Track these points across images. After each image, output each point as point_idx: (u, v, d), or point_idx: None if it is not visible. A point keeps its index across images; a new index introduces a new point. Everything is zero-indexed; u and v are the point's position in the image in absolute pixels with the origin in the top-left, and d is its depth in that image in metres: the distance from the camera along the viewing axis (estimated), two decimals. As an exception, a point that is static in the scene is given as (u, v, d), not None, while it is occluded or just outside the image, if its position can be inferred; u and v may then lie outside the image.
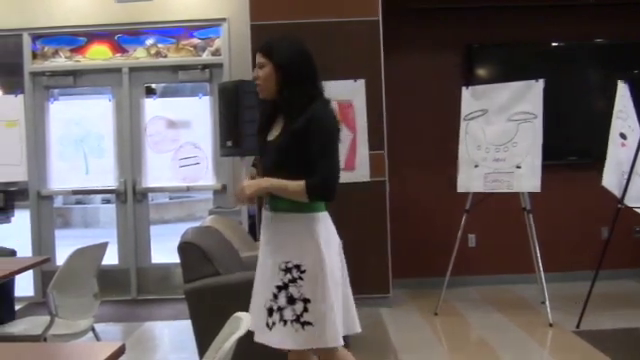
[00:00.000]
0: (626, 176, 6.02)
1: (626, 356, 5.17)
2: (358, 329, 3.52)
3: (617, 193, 6.04)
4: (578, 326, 5.93)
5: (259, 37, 6.77)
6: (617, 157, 6.09)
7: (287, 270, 3.35)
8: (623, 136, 6.14)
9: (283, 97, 3.43)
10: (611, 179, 6.06)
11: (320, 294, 3.31)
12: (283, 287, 3.34)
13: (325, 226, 3.44)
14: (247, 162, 6.65)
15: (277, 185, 3.37)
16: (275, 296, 3.35)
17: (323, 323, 3.30)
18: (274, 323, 3.34)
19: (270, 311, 3.36)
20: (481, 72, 7.64)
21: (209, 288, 4.46)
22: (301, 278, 3.32)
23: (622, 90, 6.13)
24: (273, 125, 3.54)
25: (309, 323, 3.30)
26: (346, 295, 3.50)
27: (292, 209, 3.39)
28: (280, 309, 3.33)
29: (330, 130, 3.38)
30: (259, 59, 3.48)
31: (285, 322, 3.32)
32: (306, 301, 3.31)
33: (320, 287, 3.32)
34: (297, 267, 3.33)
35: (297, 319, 3.31)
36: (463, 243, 6.92)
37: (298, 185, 3.30)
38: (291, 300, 3.32)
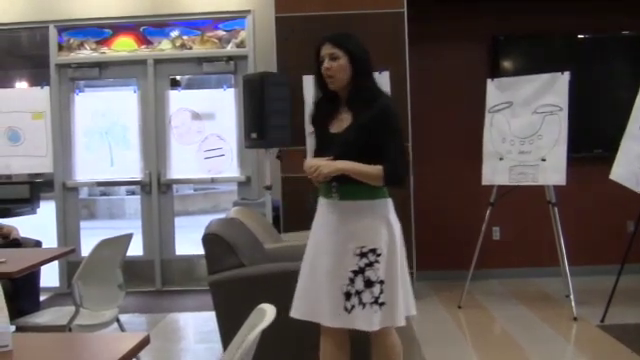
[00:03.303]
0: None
1: (652, 351, 5.13)
2: (414, 311, 3.64)
3: (630, 186, 6.01)
4: (603, 320, 5.88)
5: (284, 29, 6.78)
6: (635, 150, 6.03)
7: (363, 255, 3.44)
8: None
9: (355, 88, 3.52)
10: (622, 172, 6.02)
11: (392, 276, 3.47)
12: (359, 271, 3.44)
13: (392, 211, 3.58)
14: (271, 154, 6.67)
15: (356, 167, 3.44)
16: (352, 280, 3.44)
17: (394, 303, 3.46)
18: (353, 306, 3.44)
19: (348, 295, 3.44)
20: (507, 64, 7.59)
21: (233, 280, 4.47)
22: (377, 261, 3.44)
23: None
24: (334, 117, 3.60)
25: (384, 304, 3.44)
26: (405, 278, 3.60)
27: (362, 197, 3.50)
28: (358, 293, 3.43)
29: (397, 122, 3.56)
30: (330, 50, 3.54)
31: (364, 305, 3.42)
32: (381, 283, 3.44)
33: (393, 269, 3.47)
34: (373, 251, 3.44)
35: (375, 301, 3.43)
36: (487, 236, 6.88)
37: (376, 169, 3.41)
38: (369, 283, 3.43)
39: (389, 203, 3.58)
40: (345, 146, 3.47)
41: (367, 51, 3.60)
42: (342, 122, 3.56)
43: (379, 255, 3.45)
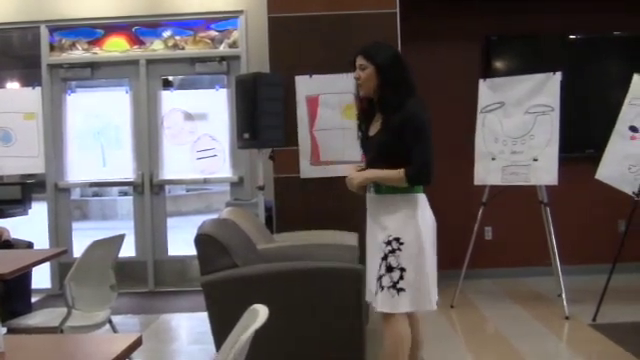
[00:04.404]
0: (635, 169, 6.00)
1: (643, 350, 5.14)
2: (435, 307, 3.92)
3: (617, 186, 6.07)
4: (594, 319, 5.90)
5: (276, 29, 6.77)
6: (623, 150, 6.08)
7: (388, 243, 3.82)
8: (634, 129, 6.11)
9: (381, 96, 3.87)
10: (609, 172, 6.08)
11: (415, 265, 3.79)
12: (384, 258, 3.82)
13: (422, 206, 3.89)
14: (264, 154, 6.67)
15: (380, 175, 3.88)
16: (380, 266, 3.84)
17: (417, 290, 3.79)
18: (377, 291, 3.84)
19: (379, 278, 3.84)
20: (499, 64, 7.61)
21: (226, 280, 4.47)
22: (399, 249, 3.79)
23: (639, 82, 6.09)
24: (372, 121, 3.98)
25: (403, 289, 3.77)
26: (433, 271, 3.90)
27: (394, 191, 3.86)
28: (380, 277, 3.82)
29: (422, 123, 3.82)
30: (360, 61, 3.90)
31: (383, 288, 3.80)
32: (402, 270, 3.77)
33: (416, 259, 3.79)
34: (397, 240, 3.80)
35: (393, 285, 3.78)
36: (480, 236, 6.90)
37: (398, 173, 3.78)
38: (389, 269, 3.80)
39: (420, 198, 3.89)
40: (378, 148, 3.90)
41: (398, 61, 3.93)
42: (376, 126, 3.94)
43: (402, 244, 3.79)
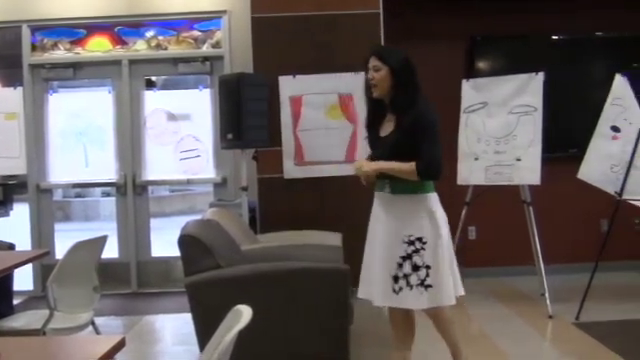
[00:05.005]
0: (617, 169, 6.05)
1: (625, 347, 5.16)
2: (462, 292, 4.18)
3: (600, 185, 6.13)
4: (577, 318, 5.94)
5: (260, 29, 6.77)
6: (605, 150, 6.13)
7: (410, 243, 3.99)
8: (615, 129, 6.15)
9: (395, 96, 4.04)
10: (591, 171, 6.14)
11: (438, 261, 3.99)
12: (407, 257, 3.99)
13: (437, 204, 4.10)
14: (248, 155, 6.66)
15: (393, 167, 4.00)
16: (400, 265, 3.99)
17: (441, 285, 4.00)
18: (401, 288, 3.99)
19: (396, 278, 4.00)
20: (483, 64, 7.63)
21: (210, 281, 4.46)
22: (423, 249, 3.98)
23: (620, 81, 6.13)
24: (383, 122, 4.14)
25: (430, 286, 3.98)
26: (452, 261, 4.13)
27: (411, 191, 4.03)
28: (406, 276, 3.98)
29: (432, 122, 4.03)
30: (374, 62, 4.07)
31: (411, 287, 3.97)
32: (427, 267, 3.97)
33: (438, 255, 3.99)
34: (419, 239, 3.99)
35: (421, 283, 3.97)
36: (463, 235, 6.92)
37: (409, 166, 3.95)
38: (415, 267, 3.98)
39: (434, 197, 4.10)
40: (391, 147, 4.02)
41: (409, 64, 4.10)
42: (388, 126, 4.10)
43: (425, 243, 3.98)
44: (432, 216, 4.04)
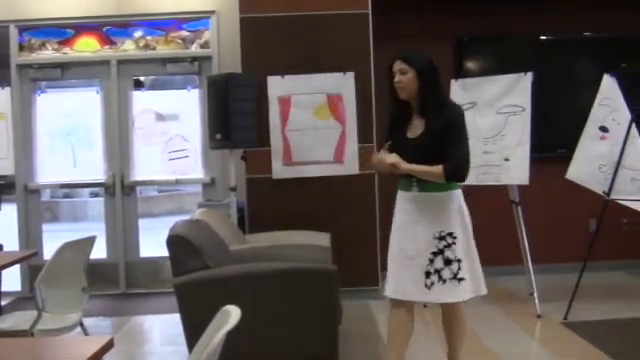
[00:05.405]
0: (605, 169, 6.07)
1: (613, 347, 5.19)
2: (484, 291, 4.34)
3: (588, 186, 6.16)
4: (566, 317, 5.96)
5: (248, 30, 6.77)
6: (594, 150, 6.15)
7: (441, 238, 4.13)
8: (604, 129, 6.17)
9: (423, 98, 4.14)
10: (580, 172, 6.18)
11: (468, 254, 4.19)
12: (439, 252, 4.13)
13: (462, 200, 4.26)
14: (236, 155, 6.65)
15: (418, 169, 4.11)
16: (431, 261, 4.13)
17: (475, 276, 4.23)
18: (433, 283, 4.14)
19: (427, 274, 4.14)
20: (471, 65, 7.65)
21: (198, 281, 4.46)
22: (454, 243, 4.14)
23: (609, 82, 6.15)
24: (408, 124, 4.22)
25: (463, 279, 4.15)
26: (477, 257, 4.29)
27: (439, 189, 4.15)
28: (437, 271, 4.13)
29: (462, 124, 4.14)
30: (400, 66, 4.17)
31: (444, 281, 4.12)
32: (459, 261, 4.13)
33: (468, 249, 4.19)
34: (450, 234, 4.14)
35: (454, 277, 4.13)
36: (452, 236, 6.91)
37: (437, 169, 4.05)
38: (448, 262, 4.13)
39: (460, 193, 4.25)
40: (420, 150, 4.10)
41: (434, 65, 4.21)
42: (416, 128, 4.19)
43: (455, 237, 4.14)
44: (461, 211, 4.21)
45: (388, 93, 4.26)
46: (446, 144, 4.05)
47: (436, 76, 4.20)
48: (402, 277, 4.22)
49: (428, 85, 4.13)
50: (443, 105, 4.16)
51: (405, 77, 4.14)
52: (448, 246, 4.14)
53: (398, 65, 4.19)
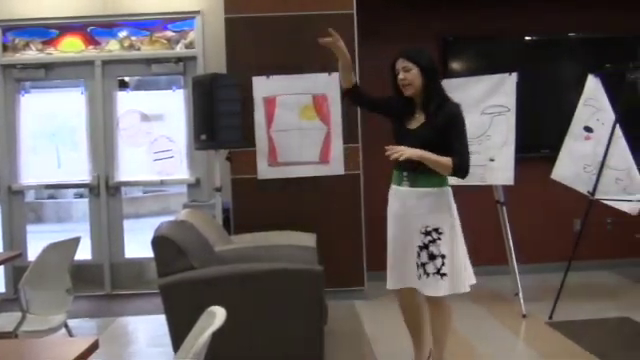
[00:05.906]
0: (589, 169, 6.11)
1: (598, 346, 5.21)
2: (474, 280, 4.45)
3: (573, 186, 6.21)
4: (551, 317, 5.98)
5: (233, 30, 6.75)
6: (578, 150, 6.19)
7: (427, 233, 4.23)
8: (588, 129, 6.21)
9: (426, 94, 4.26)
10: (564, 172, 6.22)
11: (453, 251, 4.25)
12: (424, 247, 4.24)
13: (451, 198, 4.34)
14: (221, 155, 6.64)
15: (431, 157, 4.13)
16: (418, 254, 4.25)
17: (457, 274, 4.27)
18: (419, 276, 4.26)
19: (417, 266, 4.27)
20: (456, 65, 7.66)
21: (183, 282, 4.45)
22: (439, 239, 4.22)
23: (593, 82, 6.18)
24: (410, 117, 4.35)
25: (445, 274, 4.22)
26: (465, 252, 4.39)
27: (428, 185, 4.25)
28: (423, 264, 4.24)
29: (464, 123, 4.25)
30: (403, 63, 4.30)
31: (428, 275, 4.23)
32: (443, 257, 4.21)
33: (453, 245, 4.26)
34: (435, 230, 4.22)
35: (437, 271, 4.22)
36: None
37: (447, 160, 4.13)
38: (432, 257, 4.22)
39: (449, 191, 4.33)
40: (419, 139, 4.19)
41: (434, 62, 4.38)
42: (417, 121, 4.32)
43: (441, 234, 4.22)
44: (449, 208, 4.29)
45: (393, 90, 4.38)
46: (450, 140, 4.17)
47: (437, 73, 4.35)
48: (400, 268, 4.37)
49: (431, 81, 4.26)
50: (444, 101, 4.28)
51: (410, 74, 4.26)
52: (433, 241, 4.22)
53: (401, 63, 4.31)
